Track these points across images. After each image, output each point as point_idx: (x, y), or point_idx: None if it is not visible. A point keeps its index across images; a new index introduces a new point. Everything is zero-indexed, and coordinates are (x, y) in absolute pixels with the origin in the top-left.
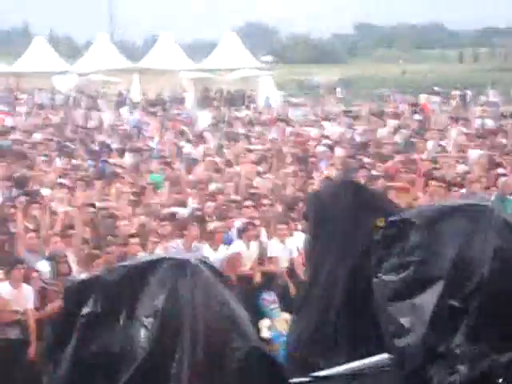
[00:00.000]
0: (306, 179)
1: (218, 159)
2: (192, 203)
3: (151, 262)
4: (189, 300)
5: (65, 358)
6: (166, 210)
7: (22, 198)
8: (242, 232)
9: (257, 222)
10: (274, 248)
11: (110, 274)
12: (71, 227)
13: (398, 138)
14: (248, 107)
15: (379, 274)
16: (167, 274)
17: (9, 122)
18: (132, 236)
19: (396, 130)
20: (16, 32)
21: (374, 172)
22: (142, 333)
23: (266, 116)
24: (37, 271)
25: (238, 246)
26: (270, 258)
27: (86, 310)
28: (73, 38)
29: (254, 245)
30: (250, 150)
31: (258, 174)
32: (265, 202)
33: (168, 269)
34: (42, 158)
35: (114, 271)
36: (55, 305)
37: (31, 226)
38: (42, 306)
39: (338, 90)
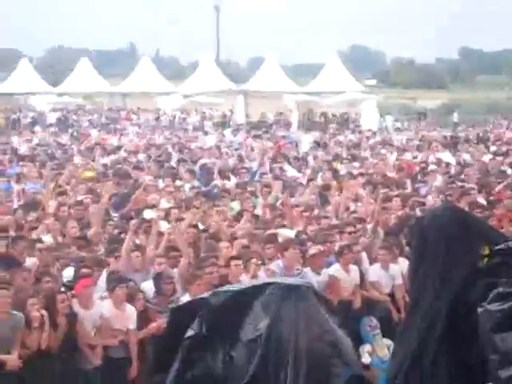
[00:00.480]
0: (408, 204)
1: (320, 182)
2: (295, 226)
3: (256, 287)
4: (292, 325)
5: (168, 379)
6: (269, 232)
7: (135, 220)
8: (340, 256)
9: (358, 247)
10: (375, 273)
11: (216, 297)
12: (175, 248)
13: (504, 165)
14: (352, 131)
15: (484, 304)
16: (272, 299)
17: (114, 141)
18: (234, 258)
19: (502, 156)
20: (123, 53)
21: (478, 199)
22: (245, 356)
23: (370, 140)
24: (141, 291)
25: (335, 270)
26: (372, 283)
27: (190, 332)
28: (178, 60)
29: (354, 270)
30: (353, 174)
31: (361, 198)
32: (366, 226)
33: (272, 294)
34: (147, 178)
35: (219, 294)
36: (157, 326)
37: (135, 246)
38: (144, 326)
39: (455, 114)
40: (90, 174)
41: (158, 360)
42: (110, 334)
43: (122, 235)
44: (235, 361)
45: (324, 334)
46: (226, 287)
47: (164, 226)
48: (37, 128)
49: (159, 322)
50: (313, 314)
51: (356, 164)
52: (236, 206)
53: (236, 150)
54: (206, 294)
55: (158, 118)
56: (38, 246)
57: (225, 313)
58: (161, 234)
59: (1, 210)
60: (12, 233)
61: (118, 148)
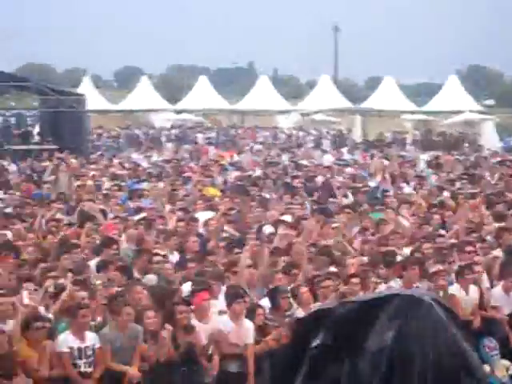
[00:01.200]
0: None
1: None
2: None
3: (382, 298)
4: (418, 337)
5: None
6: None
7: (253, 236)
8: (460, 276)
9: (478, 267)
10: (496, 294)
11: (342, 307)
12: (293, 265)
13: None
14: (471, 150)
15: None
16: (397, 311)
17: (232, 158)
18: (353, 276)
19: None
20: (241, 72)
21: None
22: (370, 368)
23: (489, 160)
24: (260, 306)
25: (455, 289)
26: (493, 305)
27: (315, 342)
28: (296, 78)
29: (473, 289)
30: (471, 194)
31: (480, 217)
32: (485, 245)
33: (398, 305)
34: (267, 196)
35: (345, 304)
36: (274, 340)
37: (250, 262)
38: (260, 341)
39: None
40: (213, 191)
41: (281, 371)
42: (227, 347)
43: (238, 250)
44: (360, 372)
45: (452, 346)
46: (352, 298)
47: (281, 243)
48: (156, 144)
49: (276, 337)
50: (439, 326)
51: (474, 184)
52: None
53: (353, 167)
54: (331, 304)
55: (275, 136)
56: (156, 259)
57: (350, 323)
58: (278, 249)
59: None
60: (131, 246)
61: (236, 165)
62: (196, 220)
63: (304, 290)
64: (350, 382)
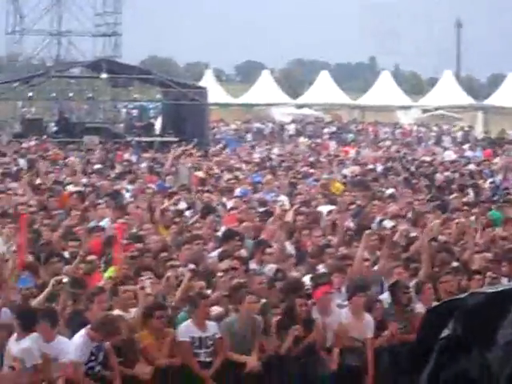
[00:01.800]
0: None
1: None
2: None
3: None
4: None
5: (421, 379)
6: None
7: (370, 231)
8: None
9: None
10: None
11: (473, 298)
12: (413, 259)
13: None
14: None
15: None
16: None
17: (352, 153)
18: (476, 272)
19: None
20: (363, 67)
21: None
22: (501, 359)
23: None
24: (379, 301)
25: None
26: None
27: (445, 333)
28: (418, 74)
29: None
30: None
31: None
32: None
33: None
34: (388, 191)
35: (476, 295)
36: (392, 334)
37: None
38: (378, 334)
39: None
40: (338, 185)
41: (410, 360)
42: (346, 341)
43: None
44: (489, 364)
45: None
46: (483, 288)
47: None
48: (277, 138)
49: (392, 331)
50: None
51: None
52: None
53: (475, 164)
54: (462, 295)
55: (395, 132)
56: (268, 250)
57: (481, 314)
58: (395, 243)
59: (240, 216)
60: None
61: (356, 160)
62: (319, 214)
63: (428, 286)
64: (479, 373)
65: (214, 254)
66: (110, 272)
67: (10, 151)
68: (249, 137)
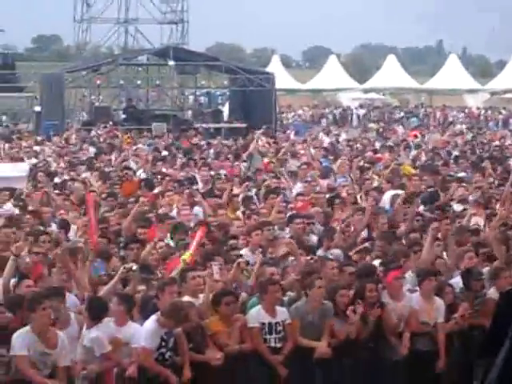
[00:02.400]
0: None
1: None
2: None
3: None
4: None
5: (496, 362)
6: None
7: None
8: None
9: None
10: None
11: None
12: (484, 245)
13: None
14: None
15: None
16: None
17: (420, 137)
18: None
19: None
20: (431, 51)
21: None
22: None
23: None
24: (450, 285)
25: None
26: None
27: None
28: (486, 58)
29: None
30: None
31: None
32: None
33: None
34: (457, 175)
35: None
36: (463, 318)
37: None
38: (449, 319)
39: None
40: (409, 169)
41: (485, 344)
42: (417, 326)
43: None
44: None
45: None
46: None
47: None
48: (344, 123)
49: (462, 313)
50: None
51: None
52: None
53: None
54: None
55: (464, 115)
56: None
57: None
58: (464, 228)
59: (309, 202)
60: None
61: (420, 144)
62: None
63: (506, 274)
64: None
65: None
66: (186, 256)
67: (78, 139)
68: (317, 122)
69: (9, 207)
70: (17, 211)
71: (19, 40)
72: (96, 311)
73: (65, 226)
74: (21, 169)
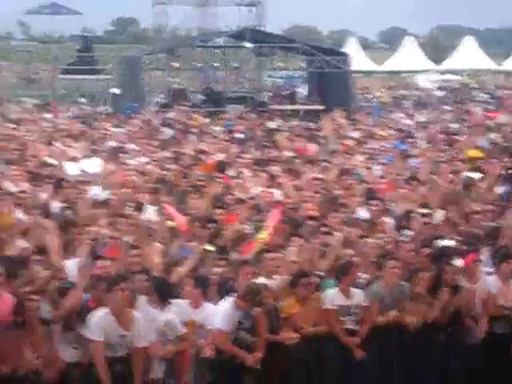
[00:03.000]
0: None
1: None
2: None
3: None
4: None
5: None
6: None
7: None
8: None
9: None
10: None
11: None
12: None
13: None
14: None
15: None
16: None
17: (500, 119)
18: None
19: None
20: (510, 32)
21: None
22: None
23: None
24: None
25: None
26: None
27: None
28: None
29: None
30: None
31: None
32: None
33: None
34: None
35: None
36: None
37: None
38: None
39: None
40: (475, 152)
41: None
42: (494, 309)
43: None
44: None
45: None
46: None
47: None
48: (421, 106)
49: None
50: None
51: None
52: None
53: None
54: None
55: None
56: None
57: None
58: None
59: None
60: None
61: (501, 126)
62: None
63: None
64: None
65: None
66: (262, 235)
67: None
68: (398, 105)
69: (97, 190)
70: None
71: (98, 23)
72: (163, 293)
73: (139, 208)
74: (96, 164)
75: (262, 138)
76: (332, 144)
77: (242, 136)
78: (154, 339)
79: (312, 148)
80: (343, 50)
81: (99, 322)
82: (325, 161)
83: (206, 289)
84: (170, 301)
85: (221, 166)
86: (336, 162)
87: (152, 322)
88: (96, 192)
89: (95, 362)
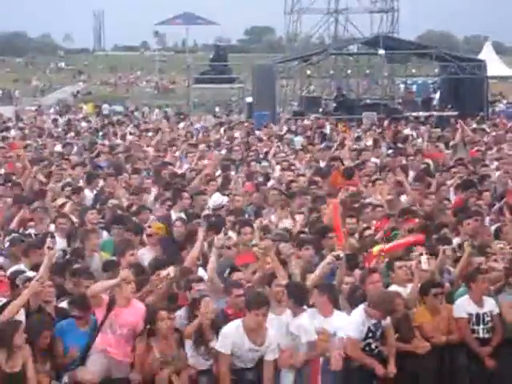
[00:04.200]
0: None
1: None
2: None
3: None
4: None
5: None
6: None
7: None
8: None
9: None
10: None
11: None
12: None
13: None
14: None
15: None
16: None
17: None
18: None
19: None
20: None
21: None
22: None
23: None
24: None
25: None
26: None
27: None
28: None
29: None
30: None
31: None
32: None
33: None
34: None
35: None
36: None
37: None
38: None
39: None
40: None
41: None
42: None
43: None
44: None
45: None
46: None
47: None
48: None
49: None
50: None
51: None
52: None
53: None
54: None
55: None
56: None
57: None
58: None
59: None
60: None
61: None
62: None
63: None
64: None
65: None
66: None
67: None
68: None
69: (217, 197)
70: (225, 201)
71: (232, 32)
72: (298, 297)
73: (259, 214)
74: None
75: (395, 144)
76: (460, 151)
77: (371, 143)
78: (285, 344)
79: (444, 155)
80: (479, 55)
81: (230, 335)
82: (453, 167)
83: (334, 297)
84: (304, 307)
85: (346, 173)
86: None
87: (284, 327)
88: (215, 199)
89: (220, 374)
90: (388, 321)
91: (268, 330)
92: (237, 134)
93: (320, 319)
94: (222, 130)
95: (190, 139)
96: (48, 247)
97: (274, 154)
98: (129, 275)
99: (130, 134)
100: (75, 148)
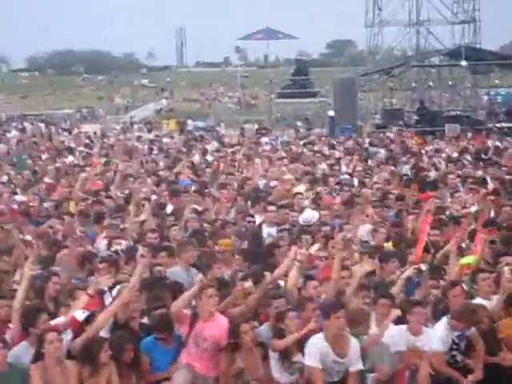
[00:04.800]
0: None
1: None
2: None
3: None
4: None
5: None
6: None
7: None
8: None
9: None
10: None
11: None
12: None
13: None
14: None
15: None
16: None
17: None
18: None
19: None
20: None
21: None
22: None
23: None
24: None
25: None
26: None
27: None
28: None
29: None
30: None
31: None
32: None
33: None
34: None
35: None
36: None
37: None
38: None
39: None
40: None
41: None
42: None
43: None
44: None
45: None
46: None
47: None
48: None
49: None
50: None
51: None
52: None
53: None
54: None
55: None
56: None
57: None
58: None
59: None
60: None
61: None
62: None
63: None
64: None
65: None
66: (468, 260)
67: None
68: None
69: (309, 214)
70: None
71: (313, 46)
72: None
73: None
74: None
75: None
76: None
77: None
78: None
79: None
80: None
81: (315, 348)
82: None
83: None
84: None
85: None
86: None
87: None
88: (306, 215)
89: None
90: (473, 330)
91: (351, 341)
92: (316, 147)
93: (411, 338)
94: (301, 143)
95: (274, 153)
96: (141, 255)
97: (355, 167)
98: (210, 287)
99: (217, 151)
100: (161, 164)
